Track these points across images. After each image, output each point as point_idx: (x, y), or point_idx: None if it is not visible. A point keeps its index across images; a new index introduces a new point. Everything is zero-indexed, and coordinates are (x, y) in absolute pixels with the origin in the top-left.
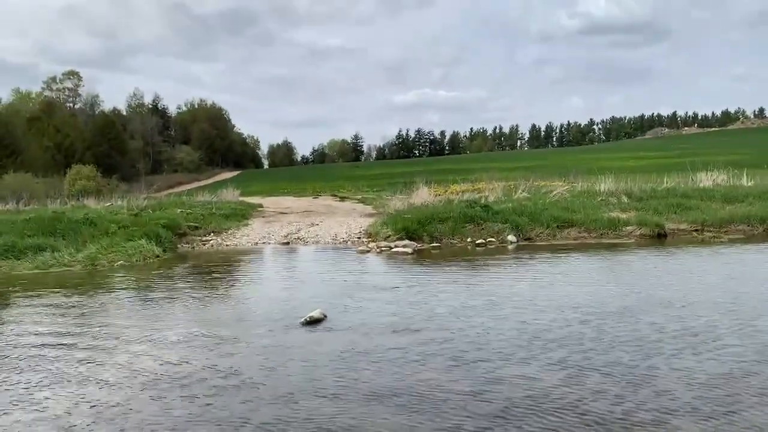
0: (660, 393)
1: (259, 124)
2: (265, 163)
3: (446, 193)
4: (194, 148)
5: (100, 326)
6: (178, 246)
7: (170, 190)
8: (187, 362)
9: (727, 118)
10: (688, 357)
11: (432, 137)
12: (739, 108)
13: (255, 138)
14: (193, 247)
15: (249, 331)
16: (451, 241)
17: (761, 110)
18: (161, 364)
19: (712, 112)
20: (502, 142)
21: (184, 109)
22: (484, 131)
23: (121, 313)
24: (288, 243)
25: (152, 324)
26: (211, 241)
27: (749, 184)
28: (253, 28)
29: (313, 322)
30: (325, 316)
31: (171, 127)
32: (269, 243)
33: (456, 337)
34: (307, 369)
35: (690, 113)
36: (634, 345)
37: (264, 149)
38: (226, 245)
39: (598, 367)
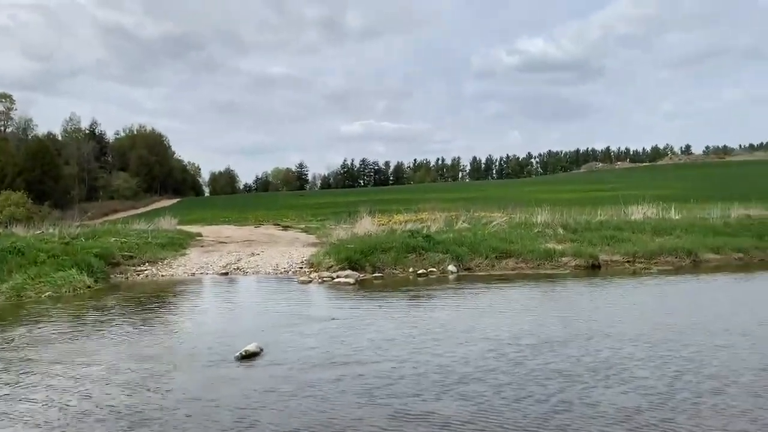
0: (565, 428)
1: (201, 151)
2: (206, 191)
3: (389, 223)
4: (132, 175)
5: (20, 361)
6: (111, 276)
7: (105, 218)
8: (112, 400)
9: (656, 153)
10: (600, 390)
11: (377, 167)
12: (667, 144)
13: (196, 165)
14: (127, 278)
15: (181, 366)
16: (394, 271)
17: (688, 147)
18: (83, 402)
19: (643, 148)
20: (445, 173)
21: (123, 134)
22: (428, 162)
23: (44, 348)
24: (227, 273)
25: (77, 359)
26: (146, 272)
27: (677, 217)
28: (197, 53)
29: (248, 357)
30: (262, 350)
31: (108, 153)
32: (207, 273)
33: (378, 371)
34: (233, 409)
35: (622, 148)
36: (549, 378)
37: (205, 177)
38: (162, 275)
39: (509, 402)
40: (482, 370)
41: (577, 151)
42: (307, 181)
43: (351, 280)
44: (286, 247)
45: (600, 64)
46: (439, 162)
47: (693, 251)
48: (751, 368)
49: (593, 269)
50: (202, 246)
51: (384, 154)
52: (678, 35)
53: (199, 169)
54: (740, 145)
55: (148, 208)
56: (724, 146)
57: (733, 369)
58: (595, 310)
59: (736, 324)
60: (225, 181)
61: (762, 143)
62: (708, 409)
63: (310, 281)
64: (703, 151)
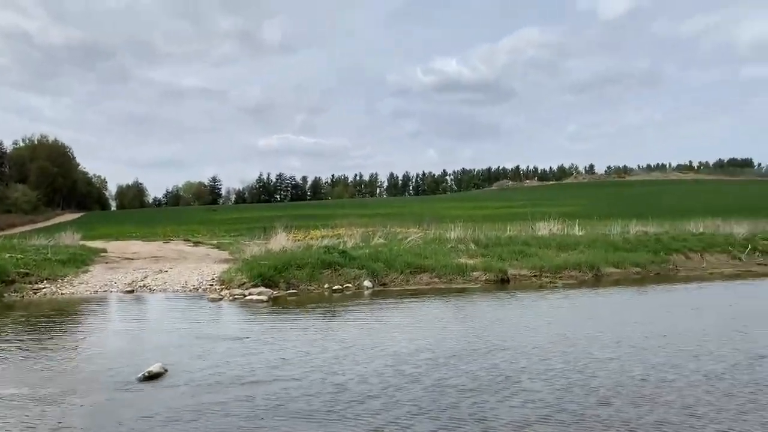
0: None
1: (108, 164)
2: (113, 205)
3: (306, 239)
4: (32, 187)
5: None
6: (5, 295)
7: (0, 233)
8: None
9: (562, 172)
10: (492, 404)
11: (294, 182)
12: (572, 164)
13: (102, 178)
14: (23, 297)
15: (78, 389)
16: (309, 287)
17: (591, 167)
18: None
19: (550, 167)
20: (363, 189)
21: (22, 144)
22: (346, 178)
23: None
24: (132, 291)
25: None
26: (45, 290)
27: (581, 233)
28: (105, 62)
29: (151, 378)
30: (166, 371)
31: (5, 164)
32: (111, 291)
33: (271, 392)
34: None
35: (531, 167)
36: (443, 393)
37: (112, 190)
38: (62, 294)
39: (400, 420)
40: (378, 388)
41: (489, 169)
42: (220, 195)
43: (264, 298)
44: (197, 263)
45: (510, 87)
46: (357, 178)
47: (595, 266)
48: (634, 379)
49: (502, 283)
50: (106, 262)
51: (301, 169)
52: (581, 61)
53: (106, 182)
54: (638, 166)
55: (49, 223)
56: (624, 166)
57: (619, 380)
58: (497, 323)
59: (627, 336)
60: (133, 195)
61: (658, 164)
62: (592, 420)
63: (221, 299)
64: (605, 171)
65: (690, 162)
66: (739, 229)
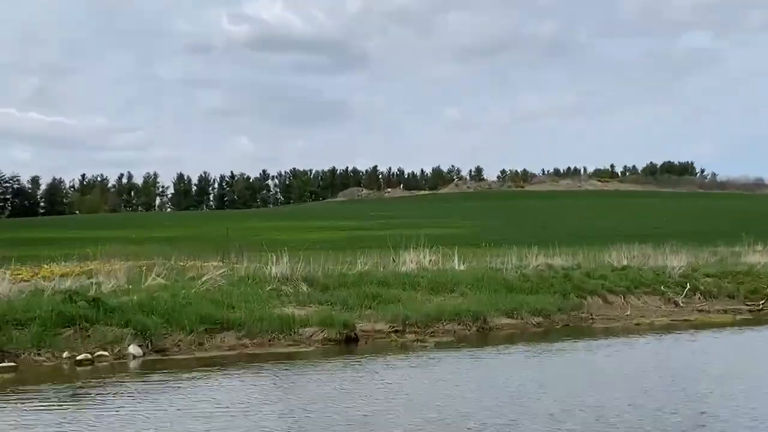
0: None
1: None
2: None
3: (35, 278)
4: None
5: None
6: None
7: None
8: None
9: (439, 177)
10: None
11: (18, 185)
12: (453, 166)
13: None
14: None
15: None
16: (37, 357)
17: (479, 170)
18: None
19: (422, 170)
20: (133, 198)
21: None
22: (104, 180)
23: None
24: None
25: None
26: None
27: (462, 267)
28: None
29: None
30: None
31: None
32: None
33: None
34: None
35: (395, 169)
36: None
37: None
38: None
39: None
40: None
41: (333, 170)
42: None
43: None
44: None
45: (362, 48)
46: (125, 180)
47: (481, 315)
48: None
49: (348, 344)
50: None
51: (30, 164)
52: (466, 15)
53: None
54: (543, 170)
55: None
56: (524, 171)
57: None
58: (311, 419)
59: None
60: None
61: (570, 168)
62: None
63: None
64: (498, 177)
65: (612, 166)
66: (676, 261)
